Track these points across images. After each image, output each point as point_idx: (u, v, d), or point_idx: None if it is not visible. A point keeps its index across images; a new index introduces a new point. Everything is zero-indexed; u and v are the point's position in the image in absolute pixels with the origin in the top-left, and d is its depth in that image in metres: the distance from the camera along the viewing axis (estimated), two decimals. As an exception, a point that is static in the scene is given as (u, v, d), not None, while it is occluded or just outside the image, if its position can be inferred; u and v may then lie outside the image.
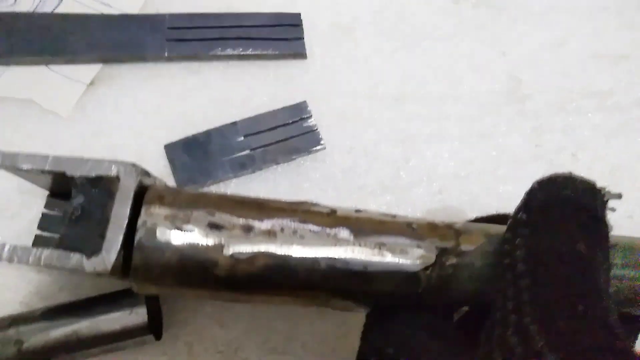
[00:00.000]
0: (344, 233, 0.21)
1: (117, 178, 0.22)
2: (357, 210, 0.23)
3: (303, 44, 0.34)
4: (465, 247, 0.21)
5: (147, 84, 0.33)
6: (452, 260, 0.21)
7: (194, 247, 0.21)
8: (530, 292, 0.17)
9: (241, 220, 0.21)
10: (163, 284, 0.21)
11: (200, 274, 0.21)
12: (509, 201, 0.21)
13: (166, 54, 0.33)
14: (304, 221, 0.22)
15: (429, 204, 0.32)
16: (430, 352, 0.19)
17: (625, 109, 0.35)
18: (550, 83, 0.36)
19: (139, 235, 0.21)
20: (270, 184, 0.32)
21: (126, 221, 0.22)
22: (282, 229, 0.21)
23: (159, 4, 0.35)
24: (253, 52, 0.34)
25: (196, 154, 0.31)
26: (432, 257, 0.21)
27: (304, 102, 0.33)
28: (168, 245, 0.21)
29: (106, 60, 0.33)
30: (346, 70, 0.35)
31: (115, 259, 0.21)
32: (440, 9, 0.37)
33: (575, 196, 0.19)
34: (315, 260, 0.21)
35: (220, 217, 0.21)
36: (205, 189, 0.31)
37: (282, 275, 0.21)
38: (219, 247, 0.21)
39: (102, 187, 0.23)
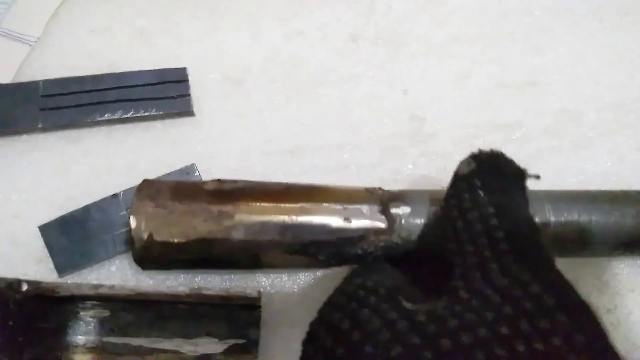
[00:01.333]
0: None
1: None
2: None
3: (189, 101, 0.32)
4: (408, 197, 0.26)
5: (21, 159, 0.31)
6: (399, 205, 0.26)
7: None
8: (507, 243, 0.20)
9: None
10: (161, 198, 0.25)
11: (192, 191, 0.25)
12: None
13: (40, 125, 0.31)
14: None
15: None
16: (405, 287, 0.21)
17: (534, 139, 0.34)
18: (454, 119, 0.34)
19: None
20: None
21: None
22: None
23: (35, 69, 0.33)
24: (135, 115, 0.32)
25: (74, 234, 0.29)
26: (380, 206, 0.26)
27: (192, 165, 0.31)
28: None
29: (-25, 137, 0.31)
30: (237, 126, 0.33)
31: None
32: (337, 49, 0.35)
33: (513, 171, 0.24)
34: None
35: None
36: (88, 271, 0.29)
37: (261, 194, 0.25)
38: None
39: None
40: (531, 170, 0.33)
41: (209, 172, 0.31)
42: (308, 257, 0.25)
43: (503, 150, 0.25)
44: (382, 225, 0.25)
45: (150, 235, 0.24)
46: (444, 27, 0.37)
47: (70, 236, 0.29)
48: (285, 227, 0.24)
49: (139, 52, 0.34)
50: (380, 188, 0.27)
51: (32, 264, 0.29)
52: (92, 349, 0.27)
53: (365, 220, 0.25)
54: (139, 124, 0.32)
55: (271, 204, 0.25)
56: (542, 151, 0.34)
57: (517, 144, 0.34)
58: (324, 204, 0.25)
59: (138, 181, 0.30)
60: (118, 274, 0.29)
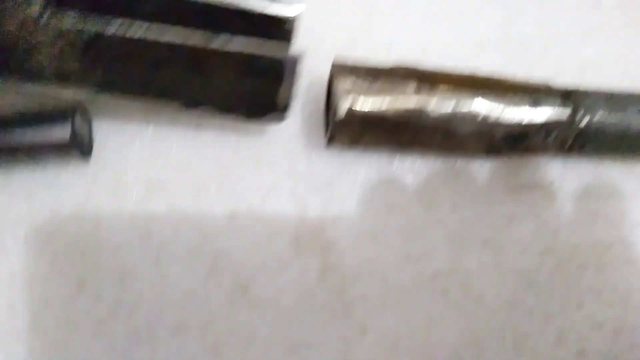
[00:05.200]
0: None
1: None
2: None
3: None
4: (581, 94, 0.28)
5: None
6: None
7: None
8: None
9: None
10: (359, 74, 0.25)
11: (388, 71, 0.26)
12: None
13: None
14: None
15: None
16: None
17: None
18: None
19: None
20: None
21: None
22: None
23: None
24: None
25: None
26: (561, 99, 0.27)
27: None
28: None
29: None
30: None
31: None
32: None
33: None
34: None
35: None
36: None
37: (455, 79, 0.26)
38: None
39: None
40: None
41: None
42: (492, 140, 0.26)
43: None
44: (564, 117, 0.26)
45: (352, 108, 0.24)
46: None
47: None
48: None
49: None
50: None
51: None
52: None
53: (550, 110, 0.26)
54: None
55: (466, 88, 0.26)
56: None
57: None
58: (514, 91, 0.26)
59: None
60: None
